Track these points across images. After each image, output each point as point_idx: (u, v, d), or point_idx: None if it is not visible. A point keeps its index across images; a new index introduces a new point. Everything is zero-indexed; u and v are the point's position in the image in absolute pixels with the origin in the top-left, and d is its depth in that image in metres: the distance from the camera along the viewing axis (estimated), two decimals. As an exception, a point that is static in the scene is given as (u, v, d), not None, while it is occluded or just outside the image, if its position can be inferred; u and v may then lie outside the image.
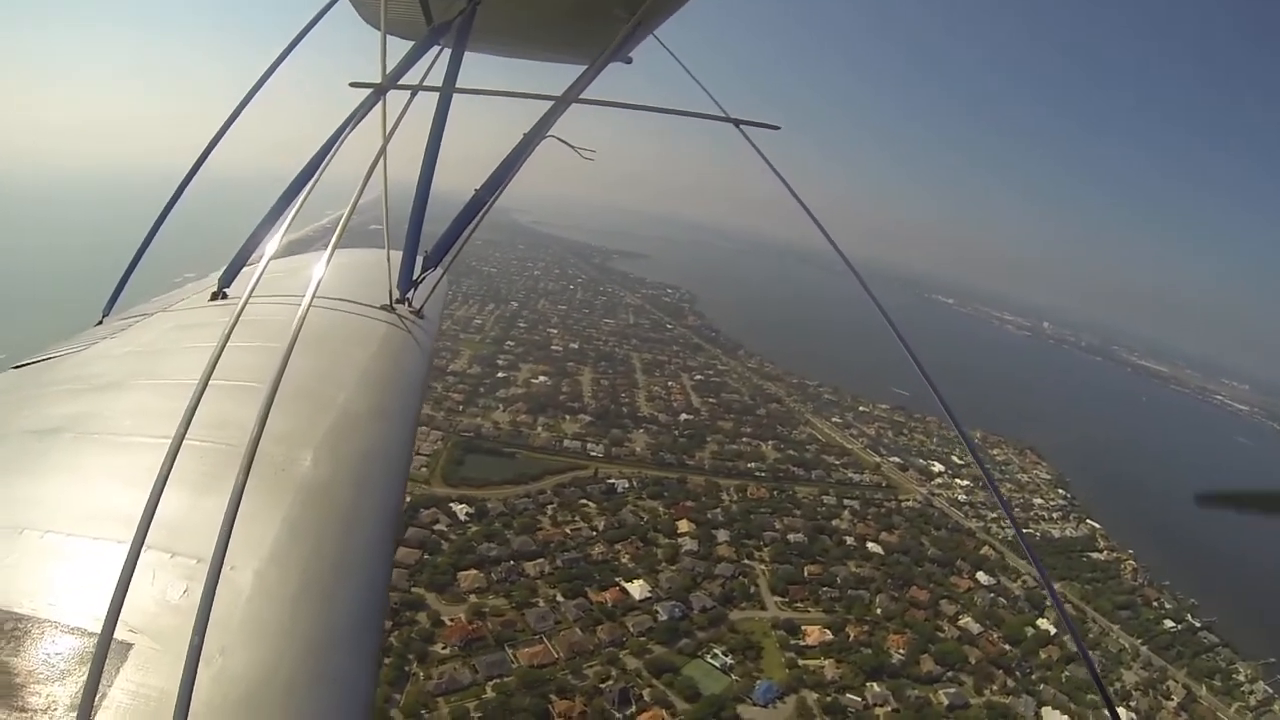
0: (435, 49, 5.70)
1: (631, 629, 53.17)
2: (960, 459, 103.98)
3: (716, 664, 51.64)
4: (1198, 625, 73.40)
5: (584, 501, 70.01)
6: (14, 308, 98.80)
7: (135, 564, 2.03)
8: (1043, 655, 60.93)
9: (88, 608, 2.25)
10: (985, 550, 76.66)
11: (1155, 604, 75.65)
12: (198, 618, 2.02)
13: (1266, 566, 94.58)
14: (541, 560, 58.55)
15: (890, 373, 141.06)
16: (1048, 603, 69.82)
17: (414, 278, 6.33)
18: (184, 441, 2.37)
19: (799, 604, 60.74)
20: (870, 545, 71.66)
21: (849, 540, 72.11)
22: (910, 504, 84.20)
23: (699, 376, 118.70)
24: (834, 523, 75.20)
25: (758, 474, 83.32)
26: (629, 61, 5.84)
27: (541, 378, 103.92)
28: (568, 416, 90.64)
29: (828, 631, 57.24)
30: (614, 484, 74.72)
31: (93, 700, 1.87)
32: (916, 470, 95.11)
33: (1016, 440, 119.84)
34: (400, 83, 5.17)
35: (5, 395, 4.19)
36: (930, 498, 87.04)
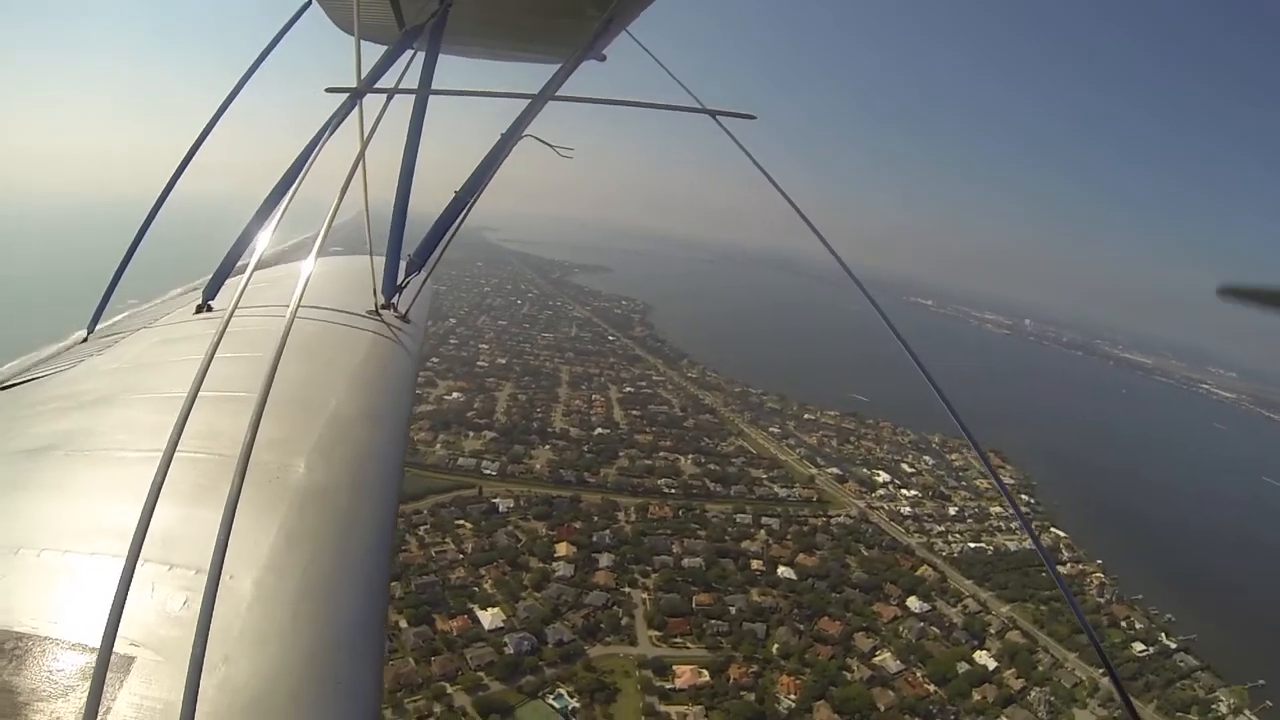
0: (409, 52, 5.61)
1: (470, 661, 47.49)
2: (911, 467, 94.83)
3: (558, 706, 45.16)
4: (1173, 646, 63.45)
5: (460, 522, 64.23)
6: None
7: (132, 577, 2.02)
8: (975, 697, 51.12)
9: (88, 623, 2.19)
10: (924, 571, 66.71)
11: (1124, 624, 65.70)
12: (199, 627, 1.99)
13: (1259, 560, 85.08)
14: (395, 584, 52.38)
15: (850, 378, 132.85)
16: (991, 630, 60.03)
17: (398, 282, 6.15)
18: (176, 453, 2.33)
19: (677, 639, 52.03)
20: (781, 570, 61.93)
21: (756, 564, 62.40)
22: (842, 520, 74.38)
23: (629, 389, 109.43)
24: (743, 544, 65.57)
25: (666, 491, 73.79)
26: (603, 59, 5.67)
27: (455, 394, 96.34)
28: (471, 433, 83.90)
29: (704, 672, 48.28)
30: (497, 504, 67.88)
31: (96, 715, 1.86)
32: (857, 481, 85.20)
33: (981, 442, 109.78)
34: (376, 86, 5.15)
35: None
36: (867, 511, 77.10)
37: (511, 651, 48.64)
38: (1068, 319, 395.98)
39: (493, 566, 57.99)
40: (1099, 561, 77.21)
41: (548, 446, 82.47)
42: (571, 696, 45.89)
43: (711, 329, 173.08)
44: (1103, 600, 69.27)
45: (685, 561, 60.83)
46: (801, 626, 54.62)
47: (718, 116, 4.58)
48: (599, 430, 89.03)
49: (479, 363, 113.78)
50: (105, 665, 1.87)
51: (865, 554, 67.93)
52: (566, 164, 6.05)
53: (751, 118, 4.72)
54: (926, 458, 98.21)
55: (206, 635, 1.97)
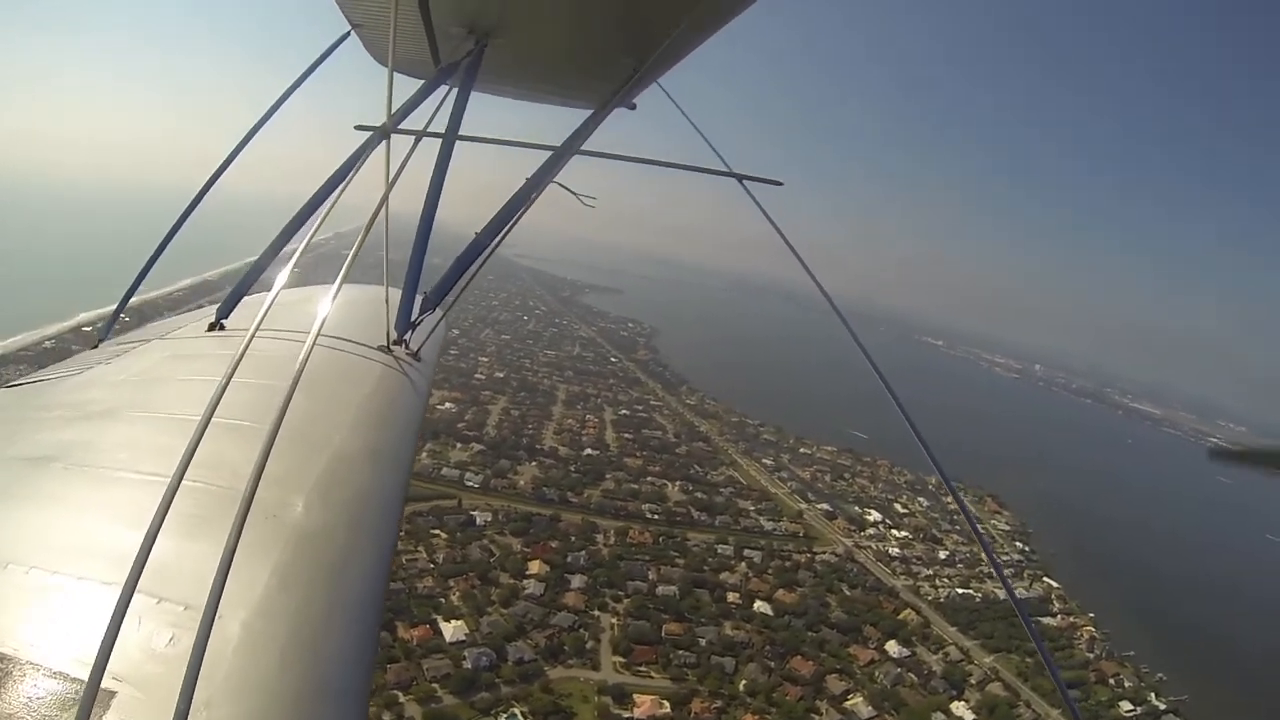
0: (443, 88, 5.74)
1: (426, 672, 46.73)
2: (904, 507, 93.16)
3: (509, 726, 43.92)
4: (1162, 707, 61.26)
5: (436, 531, 63.59)
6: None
7: (126, 608, 1.95)
8: (948, 749, 49.27)
9: (71, 650, 2.16)
10: (906, 614, 65.07)
11: (1112, 681, 63.44)
12: (188, 670, 1.92)
13: (1256, 619, 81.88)
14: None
15: (851, 414, 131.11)
16: (971, 680, 58.25)
17: (412, 319, 5.90)
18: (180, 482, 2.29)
19: (641, 667, 50.88)
20: (758, 604, 60.62)
21: (733, 597, 61.14)
22: (827, 557, 72.96)
23: (624, 411, 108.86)
24: (721, 576, 64.32)
25: (649, 516, 72.86)
26: (633, 107, 5.79)
27: (448, 404, 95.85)
28: (459, 444, 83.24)
29: (665, 704, 47.16)
30: (475, 516, 67.25)
31: None
32: (847, 519, 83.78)
33: (978, 487, 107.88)
34: (405, 123, 5.27)
35: None
36: (854, 550, 75.63)
37: (470, 666, 47.81)
38: (1079, 366, 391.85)
39: (462, 579, 57.29)
40: (1091, 615, 75.03)
41: (534, 463, 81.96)
42: (525, 717, 44.94)
43: (716, 356, 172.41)
44: (1092, 655, 67.08)
45: (660, 589, 59.76)
46: (772, 664, 53.25)
47: (744, 181, 4.67)
48: (588, 451, 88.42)
49: (476, 375, 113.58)
50: (91, 699, 1.78)
51: (847, 594, 66.42)
52: (590, 187, 6.08)
53: (778, 184, 4.84)
54: (921, 499, 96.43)
55: (196, 677, 1.88)
